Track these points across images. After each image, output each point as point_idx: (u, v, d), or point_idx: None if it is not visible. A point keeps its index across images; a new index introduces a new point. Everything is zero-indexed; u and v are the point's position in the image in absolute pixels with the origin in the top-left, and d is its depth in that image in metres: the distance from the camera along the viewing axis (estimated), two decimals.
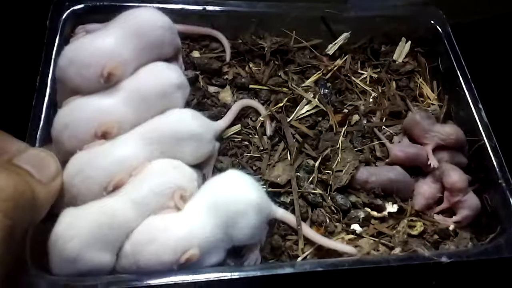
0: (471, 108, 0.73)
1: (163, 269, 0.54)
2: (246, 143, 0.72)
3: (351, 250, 0.60)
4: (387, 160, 0.73)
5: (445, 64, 0.80)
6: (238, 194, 0.58)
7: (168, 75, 0.66)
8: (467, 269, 0.60)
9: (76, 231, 0.52)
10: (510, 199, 0.64)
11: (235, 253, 0.61)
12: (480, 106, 0.72)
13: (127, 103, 0.62)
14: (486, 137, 0.69)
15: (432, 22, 0.82)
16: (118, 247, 0.56)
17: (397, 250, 0.62)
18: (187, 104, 0.69)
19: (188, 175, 0.61)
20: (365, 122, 0.77)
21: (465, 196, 0.68)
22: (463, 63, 0.77)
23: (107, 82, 0.61)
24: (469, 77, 0.76)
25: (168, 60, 0.70)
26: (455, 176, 0.69)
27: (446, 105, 0.78)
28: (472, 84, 0.75)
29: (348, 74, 0.81)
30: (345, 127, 0.75)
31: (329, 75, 0.79)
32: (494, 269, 0.61)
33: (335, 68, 0.79)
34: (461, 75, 0.76)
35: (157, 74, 0.65)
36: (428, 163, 0.71)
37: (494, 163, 0.67)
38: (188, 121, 0.64)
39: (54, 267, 0.53)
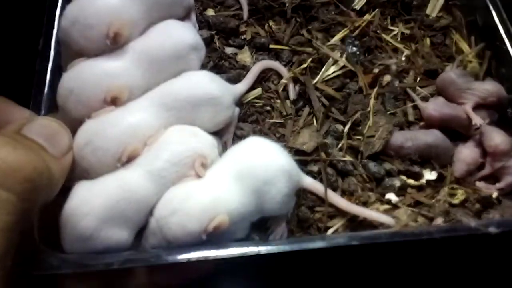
0: None
1: (191, 241, 0.49)
2: (268, 108, 0.66)
3: (388, 221, 0.55)
4: (421, 123, 0.66)
5: (484, 18, 0.72)
6: (266, 161, 0.54)
7: (181, 35, 0.60)
8: None
9: (90, 207, 0.48)
10: None
11: (260, 227, 0.56)
12: None
13: (137, 65, 0.57)
14: None
15: None
16: (137, 223, 0.52)
17: (439, 221, 0.56)
18: (203, 67, 0.64)
19: (208, 142, 0.55)
20: (398, 82, 0.70)
21: (510, 161, 0.62)
22: (504, 15, 0.69)
23: (114, 44, 0.56)
24: None
25: (180, 19, 0.64)
26: (498, 138, 0.62)
27: (487, 63, 0.71)
28: None
29: (378, 31, 0.74)
30: (376, 88, 0.68)
31: (356, 32, 0.72)
32: None
33: (363, 24, 0.72)
34: (503, 28, 0.68)
35: (169, 34, 0.59)
36: (472, 123, 0.64)
37: None
38: (206, 84, 0.58)
39: (66, 244, 0.49)
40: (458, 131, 0.66)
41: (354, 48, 0.70)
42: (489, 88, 0.65)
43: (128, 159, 0.52)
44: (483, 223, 0.53)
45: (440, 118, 0.65)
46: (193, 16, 0.68)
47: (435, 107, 0.65)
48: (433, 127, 0.65)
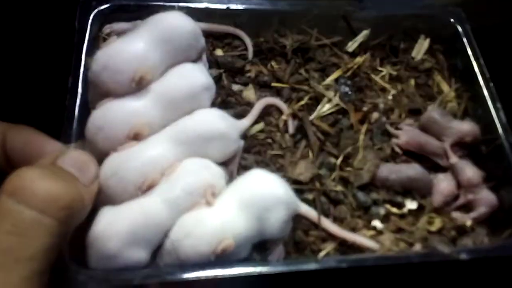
0: (489, 107, 0.74)
1: (202, 261, 0.57)
2: (269, 141, 0.74)
3: (373, 245, 0.63)
4: (403, 157, 0.74)
5: (463, 61, 0.81)
6: (267, 191, 0.62)
7: (196, 77, 0.68)
8: (484, 266, 0.62)
9: (115, 231, 0.56)
10: None
11: (260, 247, 0.64)
12: (499, 105, 0.74)
13: (156, 104, 0.64)
14: (504, 136, 0.71)
15: (451, 20, 0.83)
16: (154, 244, 0.59)
17: (417, 247, 0.64)
18: (212, 103, 0.71)
19: (217, 173, 0.63)
20: (385, 119, 0.78)
21: (481, 193, 0.70)
22: (482, 61, 0.78)
23: (139, 86, 0.64)
24: (488, 75, 0.77)
25: (193, 59, 0.72)
26: (470, 172, 0.71)
27: (465, 104, 0.80)
28: (491, 83, 0.76)
29: (368, 72, 0.83)
30: (365, 125, 0.77)
31: (349, 72, 0.81)
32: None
33: (355, 66, 0.81)
34: (479, 72, 0.77)
35: (185, 76, 0.67)
36: (449, 160, 0.73)
37: (510, 161, 0.69)
38: (216, 121, 0.66)
39: (92, 262, 0.56)
40: (435, 161, 0.74)
41: (347, 88, 0.79)
42: (467, 128, 0.74)
43: (148, 188, 0.60)
44: (456, 250, 0.61)
45: (416, 143, 0.73)
46: (204, 57, 0.75)
47: (410, 133, 0.74)
48: (408, 151, 0.74)
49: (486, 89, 0.76)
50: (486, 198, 0.70)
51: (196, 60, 0.73)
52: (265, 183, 0.63)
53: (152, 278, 0.57)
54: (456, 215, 0.71)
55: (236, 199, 0.60)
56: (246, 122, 0.72)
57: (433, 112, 0.76)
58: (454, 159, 0.73)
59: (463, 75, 0.82)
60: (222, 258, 0.58)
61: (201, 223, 0.57)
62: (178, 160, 0.63)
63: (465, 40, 0.81)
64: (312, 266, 0.60)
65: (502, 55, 0.87)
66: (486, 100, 0.75)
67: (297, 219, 0.66)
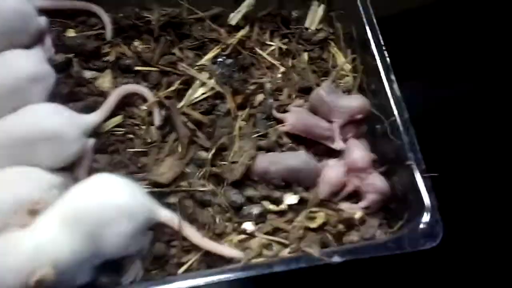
0: (382, 79, 0.64)
1: None
2: (131, 136, 0.63)
3: (236, 255, 0.54)
4: (290, 144, 0.65)
5: (358, 30, 0.71)
6: (102, 200, 0.51)
7: (19, 66, 0.56)
8: (365, 266, 0.54)
9: None
10: (419, 183, 0.57)
11: (114, 266, 0.53)
12: (393, 77, 0.64)
13: None
14: (397, 112, 0.62)
15: None
16: None
17: (285, 251, 0.55)
18: (55, 96, 0.60)
19: (43, 184, 0.52)
20: (271, 101, 0.68)
21: (371, 178, 0.62)
22: (377, 28, 0.68)
23: None
24: (382, 43, 0.67)
25: (27, 45, 0.60)
26: (356, 154, 0.62)
27: (360, 77, 0.70)
28: (385, 52, 0.66)
29: (255, 47, 0.72)
30: (247, 109, 0.67)
31: (228, 50, 0.70)
32: (396, 263, 0.55)
33: (234, 42, 0.70)
34: (373, 40, 0.67)
35: (5, 66, 0.55)
36: (334, 145, 0.64)
37: (405, 141, 0.60)
38: (45, 119, 0.55)
39: None
40: (325, 145, 0.65)
41: (225, 68, 0.68)
42: (355, 104, 0.65)
43: None
44: (327, 252, 0.52)
45: (302, 126, 0.64)
46: (48, 40, 0.63)
47: (294, 114, 0.65)
48: (295, 135, 0.65)
49: (379, 58, 0.66)
50: (376, 183, 0.61)
51: (32, 45, 0.61)
52: (100, 191, 0.51)
53: None
54: (344, 206, 0.62)
55: (59, 215, 0.49)
56: (94, 117, 0.60)
57: (320, 90, 0.66)
58: (340, 143, 0.64)
59: (359, 47, 0.72)
60: None
61: (9, 250, 0.46)
62: None
63: (359, 4, 0.71)
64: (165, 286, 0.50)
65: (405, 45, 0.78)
66: (379, 71, 0.65)
67: (158, 228, 0.56)
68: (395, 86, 0.64)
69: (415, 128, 0.61)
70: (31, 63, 0.57)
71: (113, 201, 0.51)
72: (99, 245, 0.50)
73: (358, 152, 0.62)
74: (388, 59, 0.66)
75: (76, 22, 0.69)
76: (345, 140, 0.65)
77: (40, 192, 0.51)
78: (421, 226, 0.54)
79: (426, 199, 0.56)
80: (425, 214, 0.55)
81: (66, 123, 0.56)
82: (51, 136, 0.54)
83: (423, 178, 0.57)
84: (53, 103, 0.57)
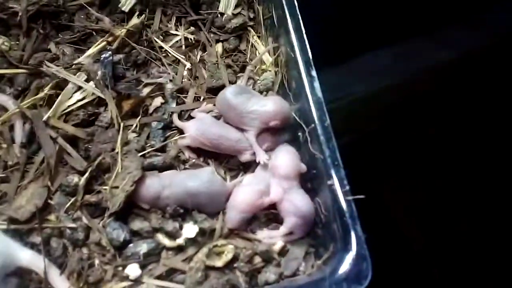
0: (301, 76, 0.52)
1: None
2: None
3: None
4: (193, 160, 0.53)
5: (279, 13, 0.58)
6: None
7: None
8: None
9: None
10: (342, 207, 0.45)
11: None
12: (314, 73, 0.52)
13: None
14: (317, 117, 0.49)
15: None
16: None
17: None
18: None
19: None
20: (174, 106, 0.56)
21: (292, 195, 0.50)
22: (297, 11, 0.55)
23: None
24: (303, 31, 0.54)
25: None
26: (280, 159, 0.51)
27: (281, 72, 0.58)
28: (307, 44, 0.53)
29: (154, 39, 0.59)
30: (139, 118, 0.54)
31: (116, 43, 0.56)
32: None
33: (123, 33, 0.56)
34: (292, 25, 0.54)
35: None
36: (256, 159, 0.52)
37: (326, 154, 0.48)
38: None
39: None
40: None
41: (109, 66, 0.54)
42: (269, 109, 0.52)
43: None
44: None
45: (205, 138, 0.52)
46: None
47: (197, 126, 0.52)
48: (198, 150, 0.53)
49: (299, 49, 0.53)
50: (295, 203, 0.49)
51: None
52: None
53: None
54: (261, 235, 0.50)
55: None
56: None
57: (226, 91, 0.53)
58: (262, 156, 0.52)
59: (281, 32, 0.59)
60: None
61: None
62: None
63: None
64: None
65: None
66: (299, 67, 0.53)
67: (25, 274, 0.45)
68: (316, 84, 0.51)
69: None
70: None
71: None
72: None
73: (284, 157, 0.51)
74: (309, 49, 0.53)
75: None
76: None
77: None
78: (344, 266, 0.43)
79: (351, 230, 0.44)
80: (349, 249, 0.44)
81: None
82: None
83: (347, 202, 0.45)
84: None
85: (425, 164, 0.71)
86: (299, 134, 0.53)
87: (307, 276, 0.47)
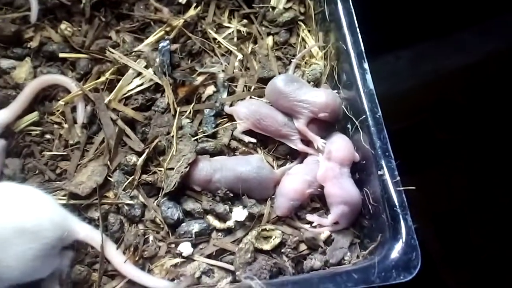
0: (353, 69, 0.52)
1: None
2: (49, 136, 0.53)
3: (164, 286, 0.44)
4: (242, 149, 0.54)
5: (331, 9, 0.59)
6: (2, 217, 0.42)
7: None
8: None
9: None
10: (392, 198, 0.46)
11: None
12: (366, 66, 0.52)
13: None
14: (368, 108, 0.50)
15: None
16: None
17: (223, 282, 0.45)
18: None
19: None
20: (225, 95, 0.57)
21: (342, 182, 0.50)
22: (352, 9, 0.56)
23: None
24: (355, 25, 0.55)
25: None
26: (339, 142, 0.52)
27: (330, 65, 0.58)
28: (360, 37, 0.54)
29: (207, 30, 0.61)
30: (192, 104, 0.56)
31: (174, 32, 0.59)
32: None
33: (179, 24, 0.58)
34: (345, 20, 0.55)
35: None
36: (315, 146, 0.53)
37: (376, 145, 0.48)
38: None
39: None
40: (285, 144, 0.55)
41: (167, 54, 0.56)
42: (321, 100, 0.53)
43: None
44: (278, 283, 0.42)
45: (256, 123, 0.53)
46: None
47: (246, 107, 0.54)
48: (246, 130, 0.54)
49: (351, 43, 0.54)
50: (346, 192, 0.50)
51: None
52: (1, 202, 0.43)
53: None
54: (312, 218, 0.51)
55: None
56: (5, 114, 0.51)
57: (277, 79, 0.55)
58: (319, 141, 0.53)
59: (332, 27, 0.60)
60: None
61: None
62: None
63: None
64: None
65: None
66: (351, 59, 0.53)
67: (80, 247, 0.47)
68: (368, 76, 0.52)
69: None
70: None
71: (12, 217, 0.42)
72: None
73: (342, 142, 0.52)
74: (362, 44, 0.54)
75: (1, 4, 0.58)
76: (306, 143, 0.54)
77: None
78: (393, 255, 0.43)
79: (401, 220, 0.45)
80: (399, 239, 0.44)
81: None
82: None
83: (397, 192, 0.46)
84: None
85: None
86: (348, 125, 0.54)
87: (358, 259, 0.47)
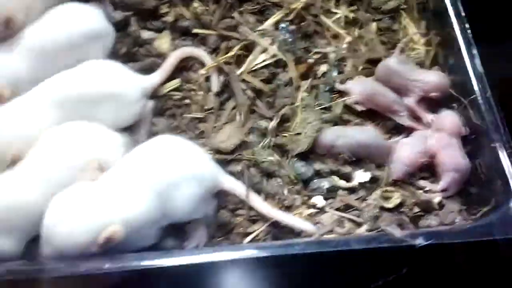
0: (461, 53, 0.59)
1: (83, 253, 0.44)
2: (188, 101, 0.60)
3: (309, 228, 0.50)
4: (356, 120, 0.60)
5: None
6: (173, 162, 0.48)
7: (81, 20, 0.53)
8: (449, 251, 0.49)
9: None
10: (507, 166, 0.52)
11: (177, 230, 0.51)
12: (475, 51, 0.58)
13: (24, 57, 0.50)
14: (479, 89, 0.56)
15: None
16: (26, 231, 0.47)
17: (363, 228, 0.51)
18: (113, 54, 0.57)
19: (109, 142, 0.49)
20: (336, 73, 0.63)
21: (452, 152, 0.56)
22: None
23: (7, 31, 0.49)
24: (463, 14, 0.61)
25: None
26: (449, 116, 0.58)
27: (434, 50, 0.64)
28: (467, 25, 0.60)
29: (319, 14, 0.67)
30: (310, 79, 0.62)
31: (292, 15, 0.65)
32: (484, 252, 0.50)
33: (299, 7, 0.65)
34: (453, 12, 0.61)
35: (64, 20, 0.52)
36: (424, 120, 0.59)
37: (488, 121, 0.54)
38: (108, 77, 0.52)
39: None
40: (393, 119, 0.60)
41: (288, 34, 0.63)
42: (434, 80, 0.59)
43: (12, 162, 0.46)
44: (410, 234, 0.48)
45: (366, 93, 0.59)
46: None
47: (360, 83, 0.60)
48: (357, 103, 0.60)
49: (460, 32, 0.60)
50: (456, 160, 0.55)
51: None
52: (170, 151, 0.49)
53: (16, 274, 0.44)
54: (423, 183, 0.57)
55: (130, 173, 0.47)
56: (154, 78, 0.57)
57: (391, 60, 0.61)
58: (428, 116, 0.59)
59: (434, 17, 0.66)
60: (113, 248, 0.44)
61: (79, 205, 0.44)
62: (54, 127, 0.49)
63: None
64: (227, 255, 0.47)
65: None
66: (459, 45, 0.59)
67: (223, 196, 0.53)
68: (477, 61, 0.58)
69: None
70: (91, 19, 0.54)
71: (184, 163, 0.49)
72: (168, 206, 0.47)
73: (450, 114, 0.58)
74: (469, 31, 0.60)
75: None
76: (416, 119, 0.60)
77: (106, 149, 0.48)
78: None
79: None
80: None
81: (129, 83, 0.53)
82: (113, 95, 0.51)
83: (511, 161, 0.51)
84: (114, 62, 0.53)
85: None
86: (453, 105, 0.60)
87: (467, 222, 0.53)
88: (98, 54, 0.54)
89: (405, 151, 0.57)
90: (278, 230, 0.52)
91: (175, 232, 0.51)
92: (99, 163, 0.47)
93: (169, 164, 0.48)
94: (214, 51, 0.63)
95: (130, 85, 0.53)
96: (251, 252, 0.47)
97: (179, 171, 0.48)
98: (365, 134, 0.57)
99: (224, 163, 0.55)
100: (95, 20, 0.54)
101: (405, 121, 0.60)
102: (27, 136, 0.47)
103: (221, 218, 0.53)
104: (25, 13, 0.50)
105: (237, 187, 0.52)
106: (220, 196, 0.53)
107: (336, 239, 0.48)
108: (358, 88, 0.60)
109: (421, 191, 0.57)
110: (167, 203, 0.47)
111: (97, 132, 0.49)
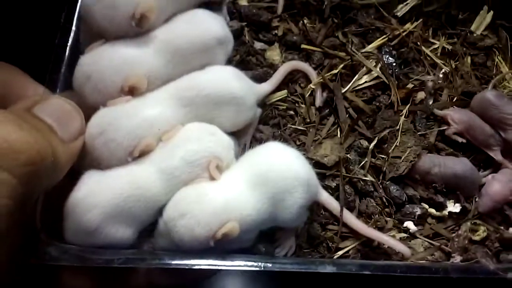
0: None
1: (198, 246, 0.47)
2: (292, 112, 0.63)
3: (405, 250, 0.52)
4: (449, 150, 0.62)
5: None
6: (286, 168, 0.51)
7: (210, 26, 0.56)
8: None
9: (98, 200, 0.46)
10: None
11: (268, 236, 0.54)
12: None
13: (159, 54, 0.53)
14: None
15: None
16: (144, 221, 0.50)
17: (457, 258, 0.53)
18: (228, 61, 0.60)
19: (225, 144, 0.52)
20: (432, 102, 0.66)
21: None
22: None
23: (139, 26, 0.52)
24: None
25: (210, 7, 0.60)
26: None
27: None
28: None
29: (418, 43, 0.69)
30: (408, 105, 0.64)
31: (395, 41, 0.67)
32: None
33: (403, 34, 0.67)
34: None
35: (197, 24, 0.56)
36: None
37: None
38: (230, 82, 0.55)
39: (68, 235, 0.47)
40: (486, 153, 0.62)
41: (391, 59, 0.66)
42: None
43: (141, 154, 0.50)
44: (503, 268, 0.50)
45: (467, 123, 0.61)
46: (224, 5, 0.64)
47: (460, 112, 0.62)
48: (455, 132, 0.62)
49: None
50: None
51: (213, 8, 0.61)
52: (283, 158, 0.52)
53: (134, 262, 0.47)
54: None
55: (246, 175, 0.50)
56: (266, 87, 0.60)
57: (488, 92, 0.63)
58: None
59: None
60: (222, 245, 0.48)
61: (201, 201, 0.47)
62: (180, 124, 0.52)
63: None
64: (327, 268, 0.49)
65: None
66: None
67: (315, 209, 0.56)
68: None
69: None
70: (219, 25, 0.57)
71: (296, 170, 0.51)
72: (277, 209, 0.50)
73: None
74: None
75: None
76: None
77: (223, 151, 0.51)
78: None
79: None
80: None
81: (247, 89, 0.56)
82: (236, 99, 0.54)
83: None
84: (236, 68, 0.57)
85: None
86: None
87: None
88: (221, 59, 0.57)
89: (497, 186, 0.59)
90: (368, 250, 0.54)
91: (265, 238, 0.53)
92: (218, 163, 0.51)
93: (281, 171, 0.50)
94: (318, 67, 0.66)
95: (250, 91, 0.56)
96: (350, 268, 0.49)
97: (292, 177, 0.50)
98: (462, 166, 0.59)
99: (320, 177, 0.57)
100: (223, 26, 0.57)
101: (498, 156, 0.62)
102: (155, 130, 0.51)
103: (313, 230, 0.55)
104: (156, 14, 0.54)
105: (332, 202, 0.54)
106: (312, 209, 0.56)
107: (434, 265, 0.50)
108: (457, 116, 0.62)
109: (502, 228, 0.58)
110: (277, 207, 0.50)
111: (217, 134, 0.53)
